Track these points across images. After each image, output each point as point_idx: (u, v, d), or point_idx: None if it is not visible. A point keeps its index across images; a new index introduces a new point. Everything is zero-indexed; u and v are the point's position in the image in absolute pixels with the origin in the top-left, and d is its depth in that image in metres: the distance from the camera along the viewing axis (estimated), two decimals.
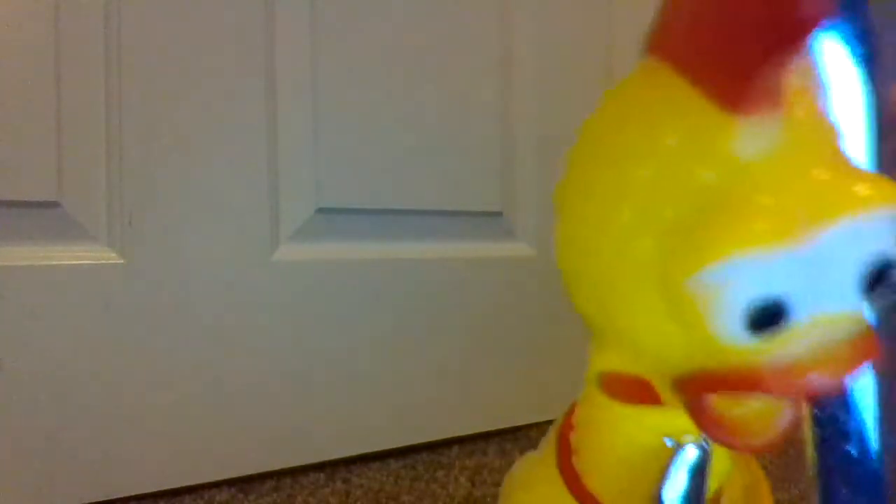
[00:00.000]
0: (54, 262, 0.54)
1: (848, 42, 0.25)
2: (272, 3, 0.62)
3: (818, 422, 0.27)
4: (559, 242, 0.21)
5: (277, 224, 0.63)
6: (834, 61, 0.25)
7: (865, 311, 0.17)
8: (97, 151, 0.56)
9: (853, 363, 0.17)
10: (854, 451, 0.26)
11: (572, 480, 0.26)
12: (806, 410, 0.26)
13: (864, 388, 0.26)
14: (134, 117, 0.57)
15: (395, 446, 0.69)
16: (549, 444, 0.28)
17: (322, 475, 0.63)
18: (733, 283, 0.15)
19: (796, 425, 0.19)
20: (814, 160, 0.16)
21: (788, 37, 0.15)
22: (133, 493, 0.56)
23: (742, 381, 0.17)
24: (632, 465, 0.24)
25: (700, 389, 0.18)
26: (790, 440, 0.19)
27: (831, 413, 0.26)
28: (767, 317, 0.16)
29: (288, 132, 0.63)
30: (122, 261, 0.56)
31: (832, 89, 0.17)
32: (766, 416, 0.19)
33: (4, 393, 0.52)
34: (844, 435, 0.26)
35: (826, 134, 0.17)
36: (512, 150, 0.76)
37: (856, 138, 0.26)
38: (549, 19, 0.80)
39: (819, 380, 0.17)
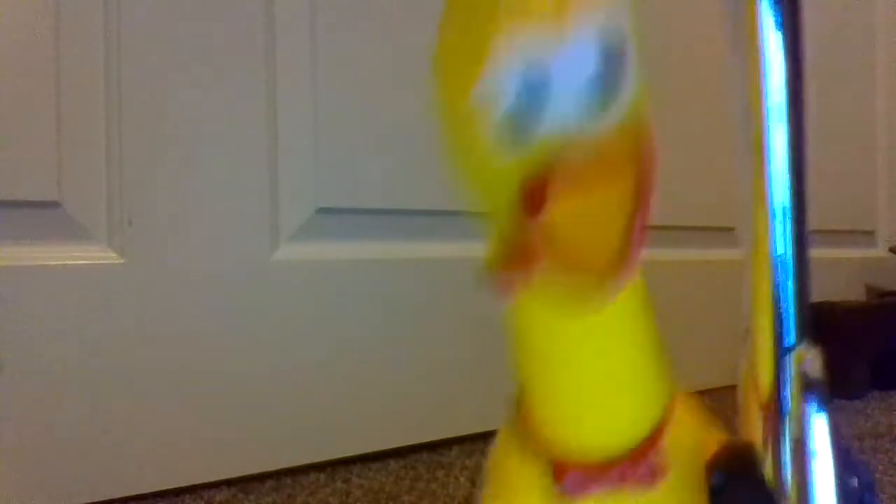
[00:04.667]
0: (54, 262, 0.54)
1: None
2: (272, 4, 0.62)
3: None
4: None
5: (277, 224, 0.63)
6: None
7: (609, 123, 0.19)
8: (97, 151, 0.56)
9: (600, 176, 0.19)
10: None
11: (523, 434, 0.27)
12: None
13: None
14: (134, 117, 0.57)
15: (395, 446, 0.69)
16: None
17: (322, 475, 0.63)
18: (499, 83, 0.18)
19: (636, 248, 0.21)
20: None
21: None
22: (133, 493, 0.56)
23: (534, 189, 0.19)
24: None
25: (533, 202, 0.19)
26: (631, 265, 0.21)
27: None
28: (530, 115, 0.18)
29: (288, 132, 0.63)
30: (122, 261, 0.56)
31: None
32: (604, 235, 0.21)
33: (4, 393, 0.52)
34: None
35: None
36: None
37: None
38: None
39: (572, 185, 0.19)
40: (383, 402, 0.68)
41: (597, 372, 0.25)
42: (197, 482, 0.59)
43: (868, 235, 1.29)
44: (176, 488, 0.58)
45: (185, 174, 0.59)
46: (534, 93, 0.18)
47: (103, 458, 0.55)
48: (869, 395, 0.93)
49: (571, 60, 0.18)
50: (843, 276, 1.18)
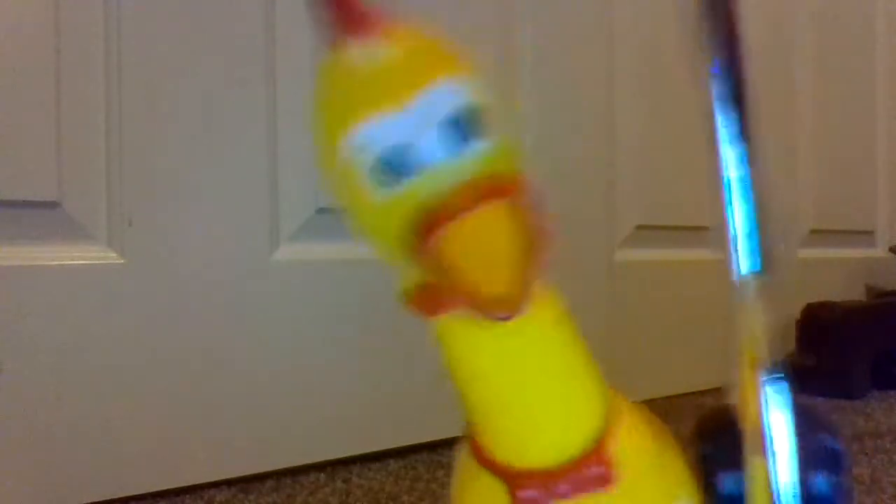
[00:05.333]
0: (54, 262, 0.54)
1: None
2: (272, 4, 0.62)
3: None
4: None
5: (277, 224, 0.63)
6: None
7: (465, 161, 0.22)
8: (97, 151, 0.56)
9: (469, 201, 0.22)
10: None
11: (476, 450, 0.28)
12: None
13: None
14: (134, 117, 0.57)
15: (394, 446, 0.69)
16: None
17: (322, 475, 0.63)
18: (361, 149, 0.21)
19: (526, 291, 0.23)
20: (414, 56, 0.23)
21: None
22: (133, 493, 0.56)
23: (422, 229, 0.22)
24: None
25: (420, 240, 0.22)
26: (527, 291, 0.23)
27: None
28: (393, 167, 0.22)
29: (288, 132, 0.63)
30: (122, 261, 0.56)
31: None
32: (498, 260, 0.22)
33: (4, 393, 0.52)
34: None
35: (418, 39, 0.23)
36: None
37: None
38: (548, 19, 0.80)
39: (444, 218, 0.22)
40: (383, 402, 0.68)
41: (522, 382, 0.26)
42: (197, 482, 0.59)
43: (868, 235, 1.29)
44: (176, 488, 0.58)
45: (185, 174, 0.59)
46: (393, 148, 0.22)
47: (103, 458, 0.55)
48: (869, 395, 0.93)
49: (418, 125, 0.22)
50: (843, 276, 1.18)
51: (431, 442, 0.69)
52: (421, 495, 0.59)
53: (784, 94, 1.12)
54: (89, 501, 0.54)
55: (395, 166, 0.22)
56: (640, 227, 0.92)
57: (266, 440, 0.62)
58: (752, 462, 0.26)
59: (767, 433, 0.25)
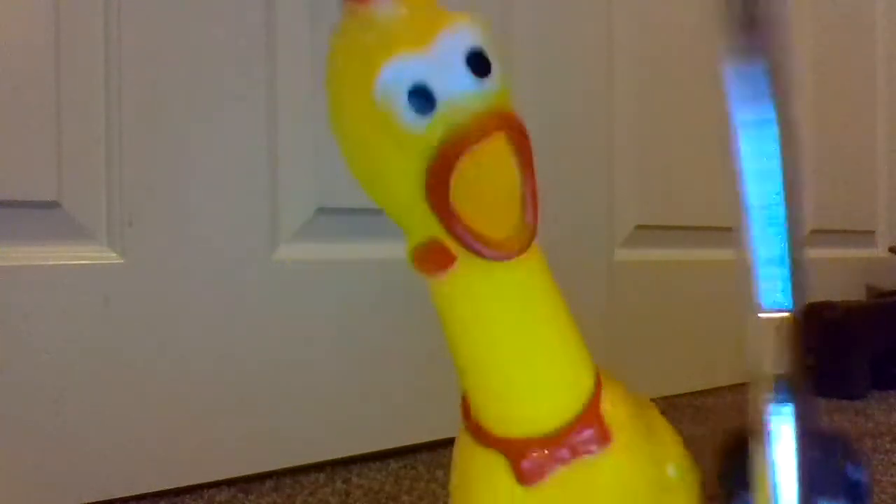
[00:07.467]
0: (54, 262, 0.54)
1: None
2: (272, 4, 0.62)
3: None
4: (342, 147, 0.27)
5: (277, 224, 0.63)
6: None
7: (484, 92, 0.24)
8: (97, 151, 0.56)
9: (487, 128, 0.24)
10: None
11: (474, 428, 0.28)
12: None
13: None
14: (134, 117, 0.57)
15: (395, 446, 0.69)
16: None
17: (322, 475, 0.63)
18: (395, 83, 0.23)
19: (531, 231, 0.25)
20: (423, 11, 0.25)
21: None
22: (133, 493, 0.56)
23: (440, 161, 0.24)
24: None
25: (433, 190, 0.24)
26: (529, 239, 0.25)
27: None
28: (422, 100, 0.24)
29: (288, 132, 0.63)
30: (122, 261, 0.56)
31: None
32: (503, 217, 0.25)
33: (4, 393, 0.52)
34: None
35: (429, 1, 0.26)
36: None
37: None
38: (548, 18, 0.80)
39: (470, 142, 0.24)
40: (383, 402, 0.68)
41: (521, 344, 0.27)
42: (197, 482, 0.59)
43: (868, 235, 1.29)
44: (176, 488, 0.58)
45: (185, 174, 0.59)
46: (422, 82, 0.24)
47: (103, 458, 0.55)
48: (869, 395, 0.93)
49: (443, 62, 0.24)
50: (843, 276, 1.18)
51: (431, 442, 0.69)
52: (421, 495, 0.59)
53: None
54: (89, 501, 0.54)
55: (424, 98, 0.24)
56: (639, 227, 0.92)
57: (266, 440, 0.62)
58: (758, 485, 0.25)
59: (771, 458, 0.25)
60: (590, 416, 0.27)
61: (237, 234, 0.61)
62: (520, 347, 0.27)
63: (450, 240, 0.25)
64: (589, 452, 0.26)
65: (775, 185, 0.24)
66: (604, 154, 0.87)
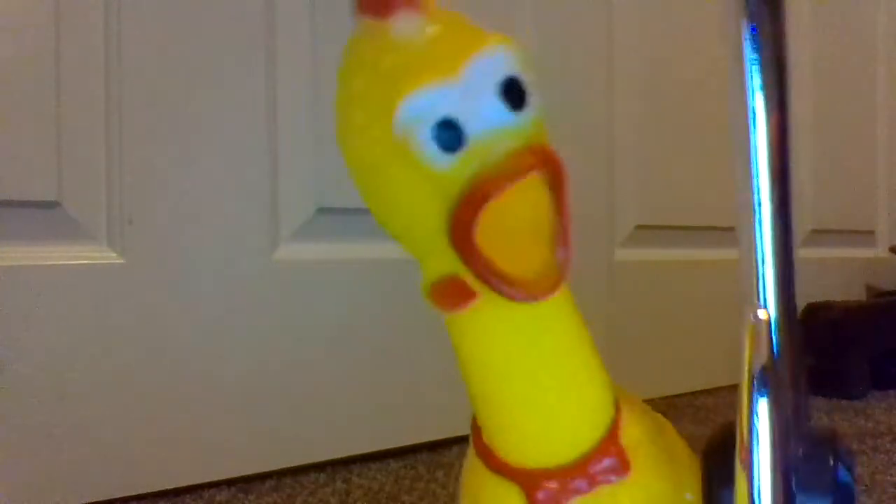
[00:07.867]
0: (54, 262, 0.54)
1: None
2: (272, 4, 0.62)
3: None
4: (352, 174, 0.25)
5: (277, 224, 0.63)
6: None
7: (519, 127, 0.22)
8: (97, 151, 0.56)
9: (522, 168, 0.22)
10: None
11: (486, 456, 0.27)
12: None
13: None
14: (134, 118, 0.57)
15: (395, 446, 0.69)
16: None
17: (322, 475, 0.63)
18: (419, 117, 0.21)
19: (563, 269, 0.23)
20: (452, 29, 0.23)
21: None
22: (133, 493, 0.56)
23: (468, 203, 0.22)
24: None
25: (458, 231, 0.22)
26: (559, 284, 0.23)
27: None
28: (450, 136, 0.21)
29: (288, 132, 0.63)
30: (122, 261, 0.56)
31: None
32: (532, 255, 0.23)
33: (4, 393, 0.52)
34: None
35: (457, 17, 0.23)
36: None
37: None
38: (549, 20, 0.80)
39: (503, 183, 0.22)
40: (383, 402, 0.68)
41: (542, 379, 0.26)
42: (197, 482, 0.59)
43: (868, 235, 1.29)
44: (176, 488, 0.58)
45: (185, 174, 0.59)
46: (450, 116, 0.22)
47: (103, 458, 0.55)
48: (869, 395, 0.93)
49: (474, 93, 0.22)
50: (843, 276, 1.18)
51: (431, 442, 0.69)
52: (421, 495, 0.59)
53: None
54: (89, 501, 0.54)
55: (453, 133, 0.22)
56: (639, 227, 0.92)
57: (266, 440, 0.62)
58: (738, 483, 0.25)
59: (753, 456, 0.24)
60: (608, 444, 0.26)
61: (237, 234, 0.61)
62: (540, 383, 0.26)
63: (471, 276, 0.23)
64: (607, 482, 0.25)
65: (766, 181, 0.24)
66: (604, 154, 0.87)
